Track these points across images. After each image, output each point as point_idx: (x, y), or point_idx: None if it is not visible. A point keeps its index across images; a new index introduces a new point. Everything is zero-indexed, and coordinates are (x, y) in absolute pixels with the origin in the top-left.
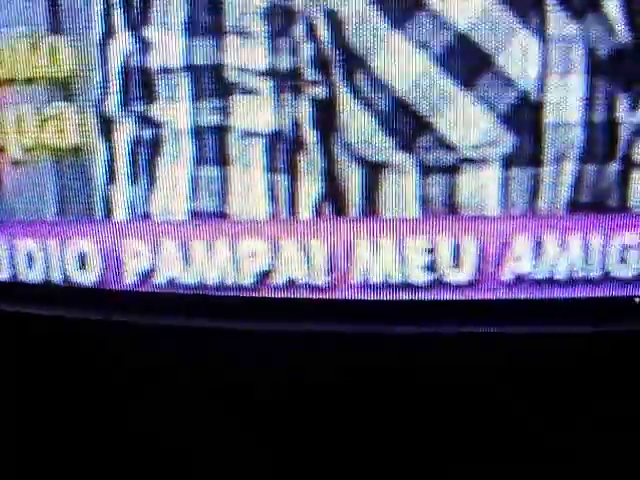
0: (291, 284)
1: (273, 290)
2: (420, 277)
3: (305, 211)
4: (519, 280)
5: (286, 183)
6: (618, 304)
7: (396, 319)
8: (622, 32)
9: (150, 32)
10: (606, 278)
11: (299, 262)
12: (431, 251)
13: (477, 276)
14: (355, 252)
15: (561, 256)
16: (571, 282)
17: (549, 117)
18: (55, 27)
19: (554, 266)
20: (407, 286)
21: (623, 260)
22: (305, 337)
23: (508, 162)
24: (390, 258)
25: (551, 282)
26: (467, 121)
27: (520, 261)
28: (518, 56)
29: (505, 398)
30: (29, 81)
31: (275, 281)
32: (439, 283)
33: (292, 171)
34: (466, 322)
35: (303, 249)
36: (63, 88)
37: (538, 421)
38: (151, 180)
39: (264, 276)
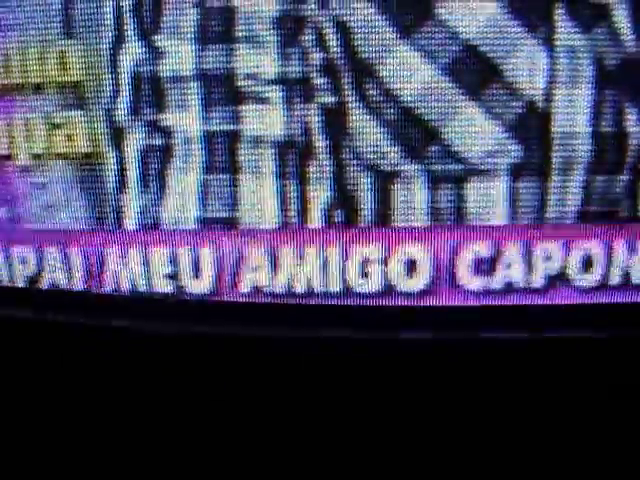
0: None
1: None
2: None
3: (314, 218)
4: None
5: (296, 190)
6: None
7: None
8: (630, 42)
9: (161, 40)
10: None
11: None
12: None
13: None
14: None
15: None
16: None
17: (557, 127)
18: (66, 33)
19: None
20: None
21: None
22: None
23: (516, 172)
24: None
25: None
26: (474, 131)
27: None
28: (526, 66)
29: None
30: (39, 87)
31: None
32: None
33: (302, 178)
34: None
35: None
36: (74, 95)
37: None
38: (162, 188)
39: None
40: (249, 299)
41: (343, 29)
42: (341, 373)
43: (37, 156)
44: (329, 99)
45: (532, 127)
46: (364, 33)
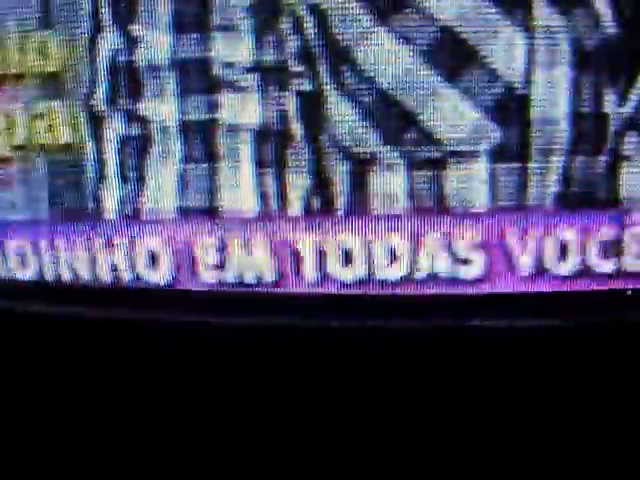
0: None
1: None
2: None
3: (294, 206)
4: None
5: (274, 177)
6: None
7: None
8: (608, 25)
9: (137, 29)
10: None
11: None
12: None
13: None
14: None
15: None
16: None
17: (536, 110)
18: (45, 23)
19: None
20: None
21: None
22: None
23: (495, 156)
24: None
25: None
26: (453, 115)
27: None
28: (503, 50)
29: None
30: (19, 77)
31: None
32: None
33: (280, 165)
34: None
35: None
36: (53, 85)
37: None
38: (140, 177)
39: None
40: (235, 288)
41: (319, 15)
42: (323, 364)
43: (17, 146)
44: (306, 86)
45: (511, 111)
46: (340, 18)
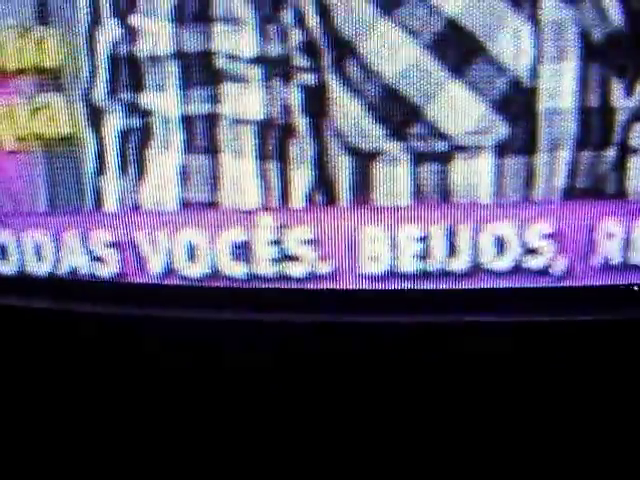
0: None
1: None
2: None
3: (296, 199)
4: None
5: (277, 171)
6: None
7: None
8: (616, 16)
9: (137, 20)
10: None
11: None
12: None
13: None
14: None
15: None
16: None
17: (543, 103)
18: (43, 17)
19: None
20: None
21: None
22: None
23: (502, 150)
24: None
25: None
26: (459, 108)
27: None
28: (510, 42)
29: None
30: (20, 72)
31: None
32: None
33: (283, 159)
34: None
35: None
36: (53, 78)
37: None
38: (141, 169)
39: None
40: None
41: (323, 7)
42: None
43: (20, 139)
44: (310, 78)
45: (518, 104)
46: (344, 11)
